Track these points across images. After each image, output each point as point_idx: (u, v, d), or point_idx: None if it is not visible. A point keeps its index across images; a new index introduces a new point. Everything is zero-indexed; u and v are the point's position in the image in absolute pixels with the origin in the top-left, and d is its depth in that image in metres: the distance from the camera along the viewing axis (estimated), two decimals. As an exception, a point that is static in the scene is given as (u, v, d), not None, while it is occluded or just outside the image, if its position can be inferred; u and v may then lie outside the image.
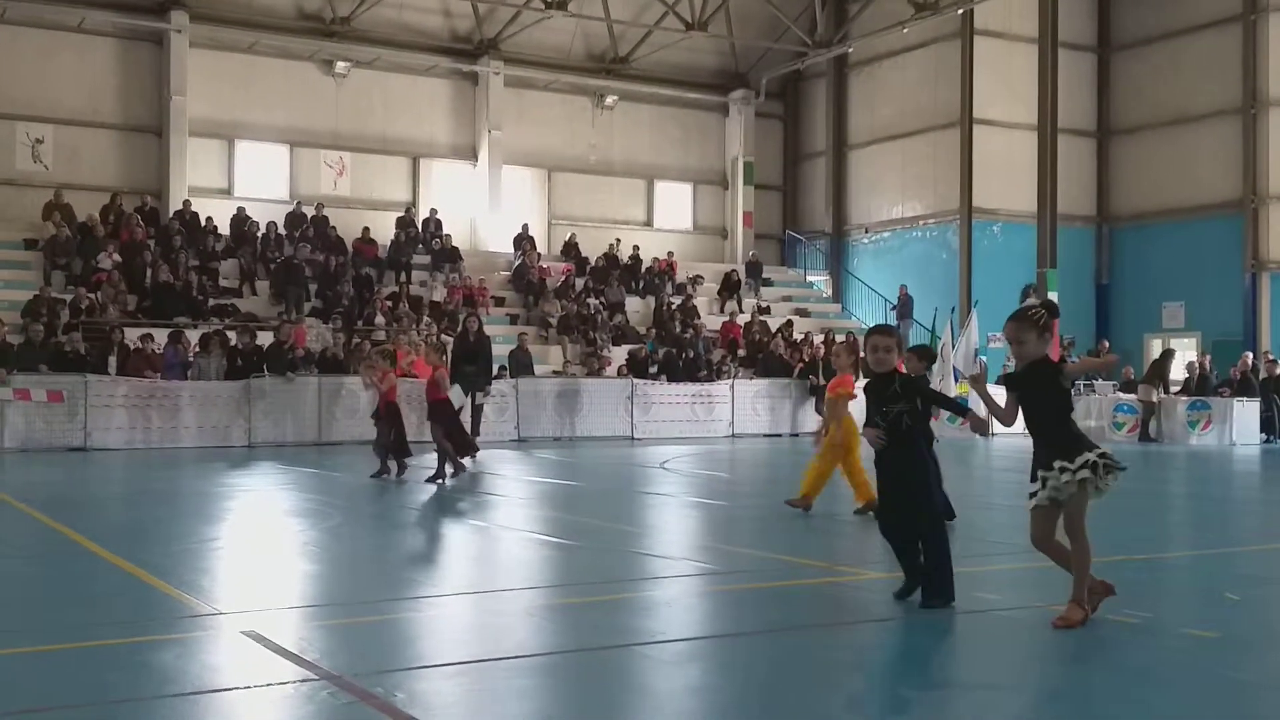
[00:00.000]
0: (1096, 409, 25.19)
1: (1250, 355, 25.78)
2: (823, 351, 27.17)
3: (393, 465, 15.26)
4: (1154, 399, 24.18)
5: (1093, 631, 6.56)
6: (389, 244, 28.99)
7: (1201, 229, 30.73)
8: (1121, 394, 25.48)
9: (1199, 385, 24.95)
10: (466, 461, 15.68)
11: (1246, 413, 23.60)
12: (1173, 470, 18.41)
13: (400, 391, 16.25)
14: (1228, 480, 17.41)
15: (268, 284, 26.43)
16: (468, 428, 19.13)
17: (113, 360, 21.40)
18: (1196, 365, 26.25)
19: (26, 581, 8.46)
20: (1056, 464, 6.45)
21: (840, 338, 22.14)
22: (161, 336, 22.13)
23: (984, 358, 25.46)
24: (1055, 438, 6.55)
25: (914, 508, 7.12)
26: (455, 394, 18.84)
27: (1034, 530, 6.65)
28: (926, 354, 11.40)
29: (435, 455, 14.92)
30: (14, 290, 23.93)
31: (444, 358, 16.45)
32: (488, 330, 24.09)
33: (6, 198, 27.55)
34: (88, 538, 9.95)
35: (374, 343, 23.93)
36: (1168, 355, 25.52)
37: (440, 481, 14.51)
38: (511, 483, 15.71)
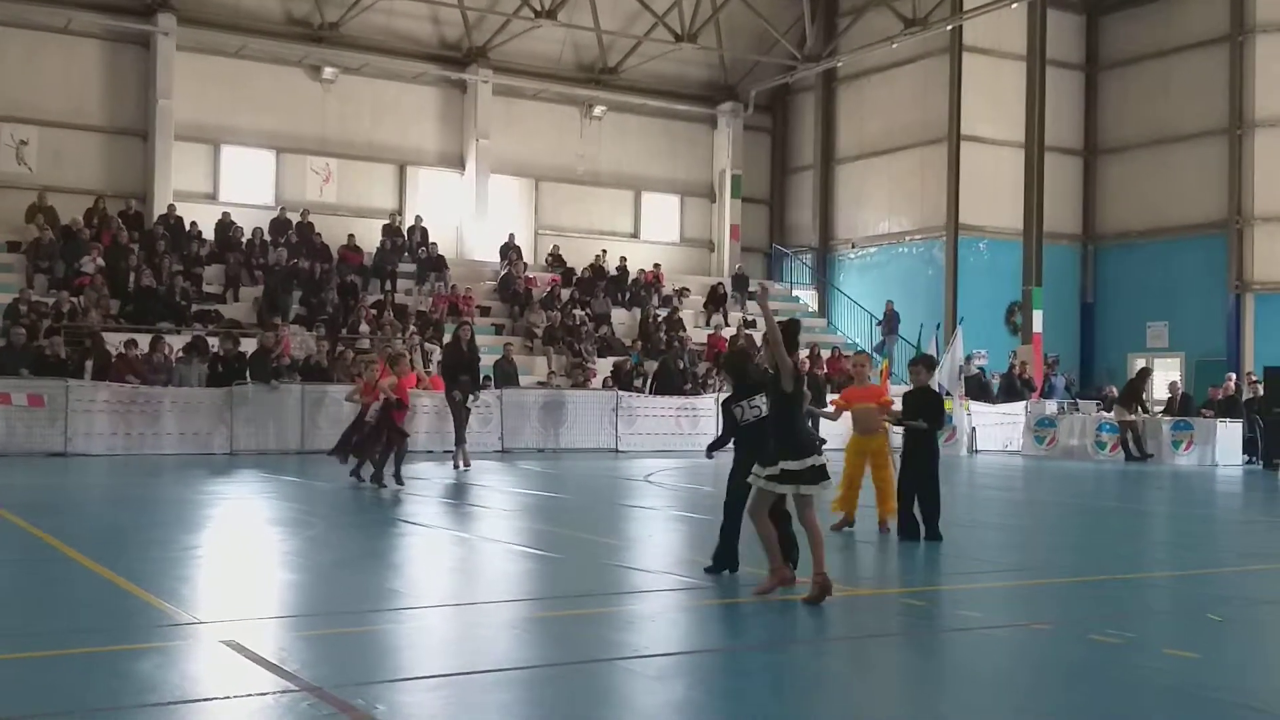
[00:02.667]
0: (1080, 428, 25.25)
1: (1234, 376, 25.87)
2: (807, 366, 27.19)
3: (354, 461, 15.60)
4: (1129, 418, 24.24)
5: (1074, 651, 6.56)
6: (374, 251, 28.92)
7: (1186, 249, 30.87)
8: (1105, 414, 25.55)
9: (1182, 405, 25.04)
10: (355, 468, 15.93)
11: (1230, 434, 23.67)
12: (1153, 490, 18.47)
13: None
14: (1209, 501, 17.46)
15: (251, 290, 26.33)
16: (457, 435, 19.14)
17: (89, 365, 21.22)
18: (1179, 385, 26.35)
19: (4, 588, 8.39)
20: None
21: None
22: (144, 341, 21.99)
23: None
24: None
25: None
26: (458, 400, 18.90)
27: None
28: (932, 364, 11.85)
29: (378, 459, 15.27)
30: (-4, 292, 23.79)
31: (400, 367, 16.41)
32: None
33: (-10, 199, 27.40)
34: (67, 544, 9.88)
35: (357, 351, 23.84)
36: (1144, 374, 25.60)
37: (372, 483, 15.05)
38: (495, 494, 15.66)
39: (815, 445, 7.95)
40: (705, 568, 8.71)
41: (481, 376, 19.81)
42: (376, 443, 15.47)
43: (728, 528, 8.64)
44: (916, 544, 10.57)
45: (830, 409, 12.14)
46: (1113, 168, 33.32)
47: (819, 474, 7.76)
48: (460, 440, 18.91)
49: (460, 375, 18.91)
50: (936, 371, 24.00)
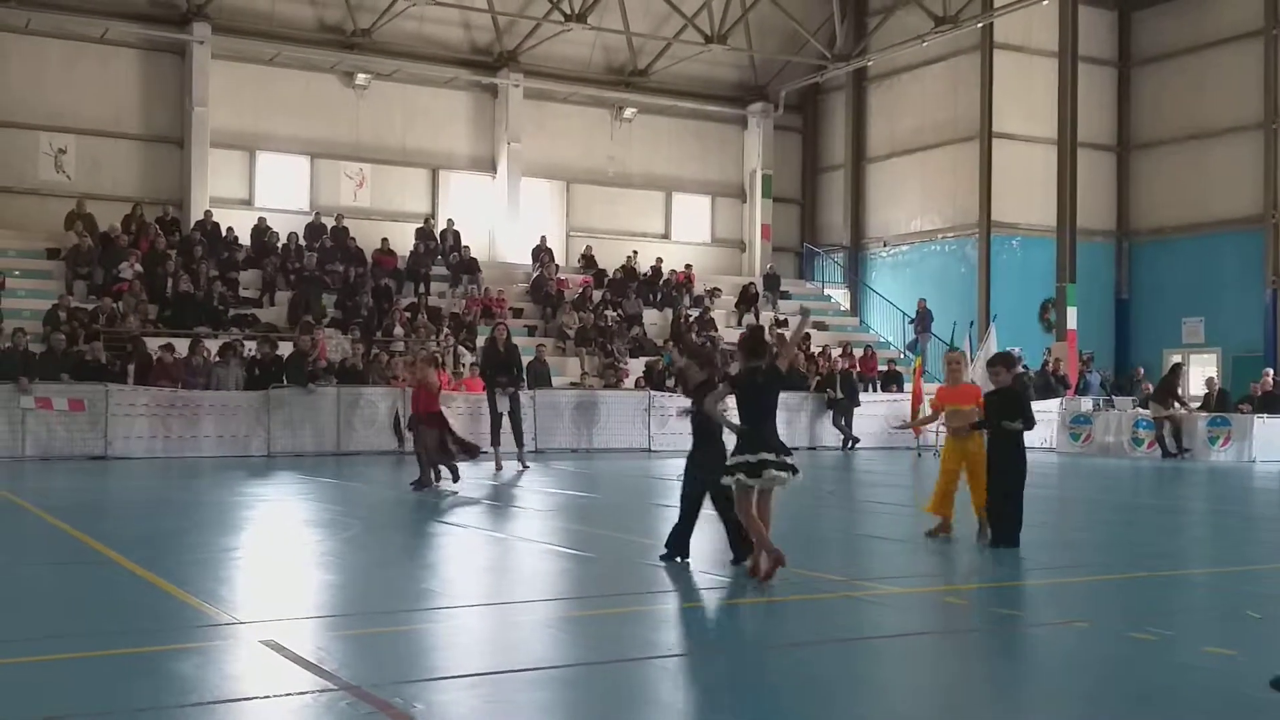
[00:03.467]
0: (1115, 425, 25.08)
1: (1271, 371, 25.61)
2: (841, 365, 27.13)
3: (445, 471, 15.32)
4: (1166, 414, 24.04)
5: (1112, 649, 6.54)
6: (408, 255, 29.08)
7: (1222, 244, 30.59)
8: (1141, 410, 25.36)
9: (1219, 401, 24.81)
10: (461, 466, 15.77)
11: (1268, 430, 23.43)
12: (1190, 486, 18.32)
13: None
14: (1247, 497, 17.31)
15: (287, 295, 26.53)
16: (502, 437, 19.16)
17: (131, 369, 21.45)
18: (1216, 381, 26.10)
19: (48, 589, 8.50)
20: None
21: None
22: (181, 346, 22.21)
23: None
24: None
25: None
26: (501, 403, 18.96)
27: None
28: (1011, 362, 11.22)
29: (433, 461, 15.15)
30: (36, 299, 24.06)
31: (435, 369, 16.44)
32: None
33: (29, 207, 27.72)
34: (108, 546, 10.00)
35: (391, 354, 23.99)
36: (1175, 370, 25.38)
37: (428, 487, 14.85)
38: (529, 494, 15.72)
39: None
40: (660, 555, 9.29)
41: (519, 374, 19.82)
42: (443, 447, 15.45)
43: (684, 516, 9.33)
44: (1011, 549, 10.03)
45: (928, 411, 11.49)
46: (1147, 163, 33.07)
47: (754, 468, 8.40)
48: (495, 442, 18.99)
49: (498, 376, 18.99)
50: (970, 369, 24.09)
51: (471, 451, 15.85)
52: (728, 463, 8.55)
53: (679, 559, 9.20)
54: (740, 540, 8.86)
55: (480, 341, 25.32)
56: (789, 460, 8.49)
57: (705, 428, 9.16)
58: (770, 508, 8.61)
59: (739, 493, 8.47)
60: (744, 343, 8.96)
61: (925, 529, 10.89)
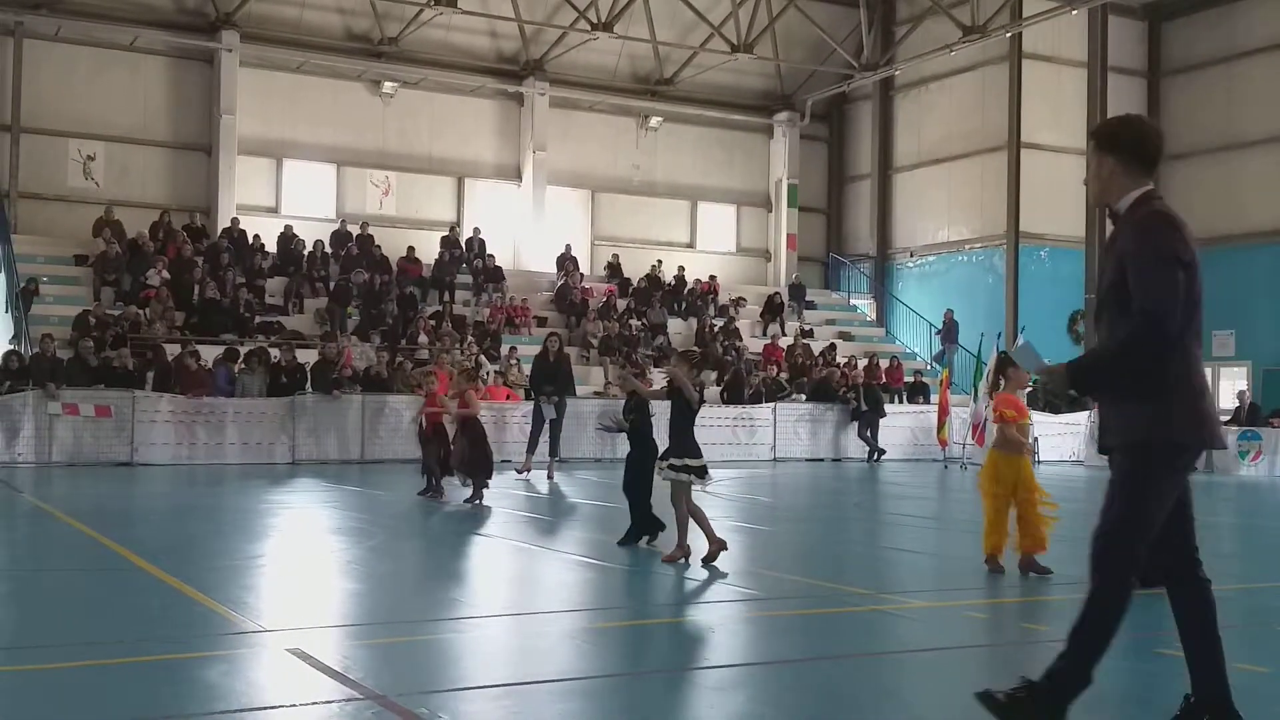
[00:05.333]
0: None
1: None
2: (862, 377, 27.00)
3: (469, 484, 14.76)
4: None
5: (1140, 665, 6.47)
6: (433, 263, 29.14)
7: (1252, 256, 30.34)
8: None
9: (1249, 415, 24.60)
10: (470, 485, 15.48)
11: (1295, 443, 23.26)
12: (1220, 501, 18.15)
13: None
14: (1273, 512, 17.14)
15: (314, 302, 26.62)
16: (546, 445, 19.21)
17: (150, 375, 21.54)
18: (1247, 394, 25.90)
19: (73, 596, 8.53)
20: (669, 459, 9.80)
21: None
22: (207, 352, 22.30)
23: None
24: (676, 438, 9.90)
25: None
26: (546, 411, 19.08)
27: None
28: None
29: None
30: (64, 305, 24.22)
31: (476, 381, 16.42)
32: (527, 350, 24.19)
33: (58, 214, 27.92)
34: (134, 553, 10.03)
35: (416, 362, 24.03)
36: None
37: (476, 501, 14.52)
38: (553, 503, 15.69)
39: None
40: (618, 541, 10.70)
41: (567, 385, 19.96)
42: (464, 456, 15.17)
43: (634, 506, 10.77)
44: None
45: (1011, 428, 9.78)
46: (1176, 174, 32.81)
47: (704, 470, 9.90)
48: (531, 449, 19.23)
49: (544, 385, 19.27)
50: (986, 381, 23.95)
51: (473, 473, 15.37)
52: (678, 461, 9.73)
53: (646, 540, 10.70)
54: (650, 525, 10.72)
55: (504, 350, 25.38)
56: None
57: (641, 433, 10.84)
58: (694, 504, 9.93)
59: (683, 488, 9.76)
60: (700, 359, 10.52)
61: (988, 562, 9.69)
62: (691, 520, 9.76)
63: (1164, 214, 4.87)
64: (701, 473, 9.77)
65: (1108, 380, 4.87)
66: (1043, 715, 4.83)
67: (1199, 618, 4.96)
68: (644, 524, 10.76)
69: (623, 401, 11.86)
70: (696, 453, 9.77)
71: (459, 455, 14.84)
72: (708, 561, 9.56)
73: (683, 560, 9.69)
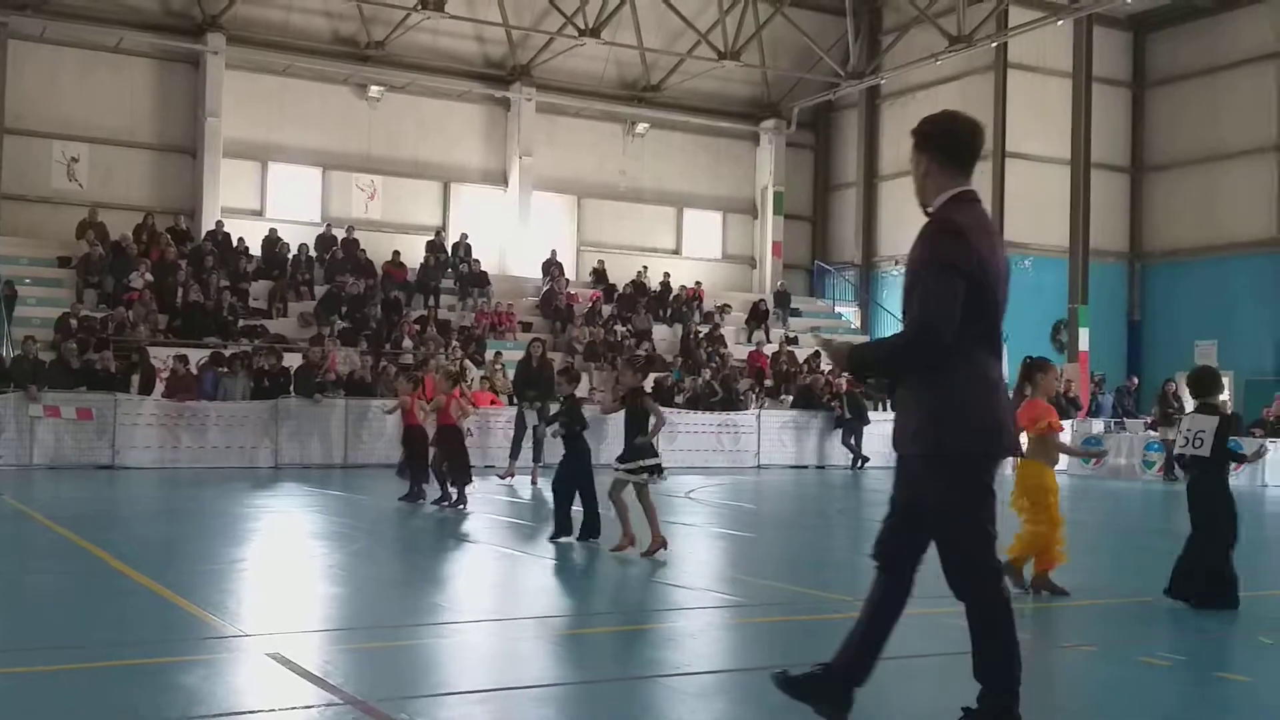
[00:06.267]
0: (1127, 447, 24.96)
1: (1283, 397, 25.48)
2: (846, 385, 27.01)
3: (453, 491, 14.77)
4: (1172, 437, 23.86)
5: (1123, 673, 6.48)
6: (418, 268, 29.08)
7: (1235, 266, 30.50)
8: (1152, 432, 25.25)
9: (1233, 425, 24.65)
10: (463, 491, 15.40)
11: None
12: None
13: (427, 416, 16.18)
14: (1259, 522, 17.20)
15: (298, 306, 26.54)
16: (529, 451, 19.17)
17: (135, 379, 21.45)
18: (1229, 405, 25.98)
19: (54, 600, 8.48)
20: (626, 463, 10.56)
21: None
22: (191, 356, 22.20)
23: None
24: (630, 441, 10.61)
25: None
26: (529, 417, 19.01)
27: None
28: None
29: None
30: (47, 308, 24.09)
31: (456, 385, 16.31)
32: (512, 355, 24.15)
33: (42, 216, 27.78)
34: (115, 557, 9.98)
35: (400, 367, 23.95)
36: (1167, 386, 25.20)
37: (447, 504, 14.52)
38: (536, 509, 15.67)
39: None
40: (550, 536, 11.25)
41: (550, 391, 19.86)
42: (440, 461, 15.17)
43: (574, 502, 11.29)
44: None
45: (1063, 438, 9.42)
46: (1160, 185, 33.02)
47: (659, 469, 10.68)
48: (514, 454, 19.20)
49: (527, 390, 19.23)
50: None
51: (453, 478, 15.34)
52: (640, 463, 10.49)
53: (567, 538, 11.18)
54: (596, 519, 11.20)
55: (489, 355, 25.33)
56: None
57: (573, 438, 11.49)
58: (651, 500, 10.65)
59: (628, 487, 10.54)
60: (645, 364, 11.15)
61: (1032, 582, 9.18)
62: (645, 514, 10.53)
63: (948, 221, 4.79)
64: (656, 470, 10.60)
65: (881, 372, 5.06)
66: None
67: (887, 608, 5.02)
68: (593, 523, 11.23)
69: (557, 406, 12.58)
70: (652, 453, 10.61)
71: (437, 461, 14.93)
72: (648, 554, 10.28)
73: (630, 548, 10.46)
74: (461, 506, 14.44)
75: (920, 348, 4.65)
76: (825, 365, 28.81)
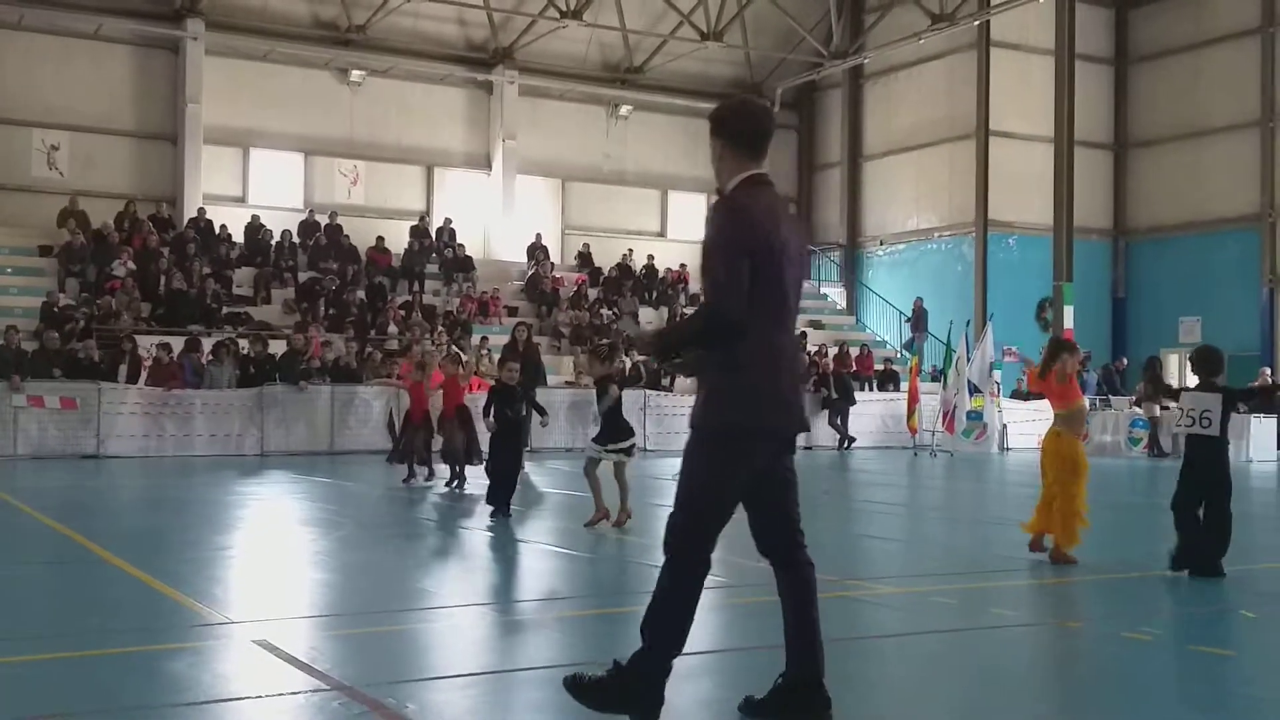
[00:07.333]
0: (1112, 424, 25.06)
1: (1269, 371, 25.60)
2: (833, 365, 27.04)
3: (459, 470, 15.24)
4: (1157, 413, 23.98)
5: (1106, 648, 6.51)
6: (402, 253, 29.01)
7: (1219, 242, 30.60)
8: (1137, 409, 25.34)
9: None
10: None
11: (1264, 429, 23.42)
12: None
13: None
14: (1243, 496, 17.27)
15: (281, 293, 26.45)
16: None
17: (123, 369, 21.37)
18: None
19: (39, 588, 8.46)
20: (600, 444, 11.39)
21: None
22: (175, 344, 22.12)
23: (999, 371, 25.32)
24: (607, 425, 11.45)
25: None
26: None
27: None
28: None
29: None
30: (28, 297, 23.98)
31: (460, 367, 16.48)
32: (498, 340, 24.10)
33: (22, 204, 27.63)
34: (100, 545, 9.96)
35: (386, 353, 23.91)
36: (1153, 364, 25.29)
37: (458, 487, 14.70)
38: (523, 493, 15.66)
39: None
40: (493, 512, 12.14)
41: (536, 376, 19.86)
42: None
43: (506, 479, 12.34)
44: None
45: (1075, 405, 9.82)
46: (1143, 162, 33.07)
47: (630, 450, 11.47)
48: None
49: None
50: (967, 369, 24.06)
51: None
52: (617, 445, 11.28)
53: (503, 515, 12.01)
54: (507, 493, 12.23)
55: (475, 340, 25.29)
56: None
57: (507, 421, 12.44)
58: (625, 478, 11.45)
59: (598, 465, 11.24)
60: (609, 352, 12.09)
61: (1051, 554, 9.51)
62: (620, 491, 11.33)
63: (735, 202, 4.86)
64: (630, 451, 11.45)
65: (685, 354, 5.05)
66: (625, 700, 4.84)
67: (797, 599, 5.07)
68: (508, 491, 12.30)
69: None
70: (627, 435, 11.46)
71: (451, 441, 15.13)
72: (617, 525, 11.16)
73: (604, 521, 11.17)
74: (459, 489, 14.78)
75: (713, 328, 4.73)
76: (811, 347, 28.86)
